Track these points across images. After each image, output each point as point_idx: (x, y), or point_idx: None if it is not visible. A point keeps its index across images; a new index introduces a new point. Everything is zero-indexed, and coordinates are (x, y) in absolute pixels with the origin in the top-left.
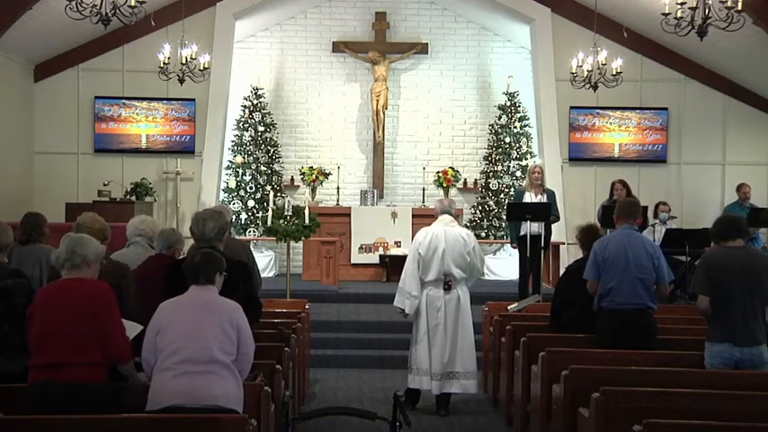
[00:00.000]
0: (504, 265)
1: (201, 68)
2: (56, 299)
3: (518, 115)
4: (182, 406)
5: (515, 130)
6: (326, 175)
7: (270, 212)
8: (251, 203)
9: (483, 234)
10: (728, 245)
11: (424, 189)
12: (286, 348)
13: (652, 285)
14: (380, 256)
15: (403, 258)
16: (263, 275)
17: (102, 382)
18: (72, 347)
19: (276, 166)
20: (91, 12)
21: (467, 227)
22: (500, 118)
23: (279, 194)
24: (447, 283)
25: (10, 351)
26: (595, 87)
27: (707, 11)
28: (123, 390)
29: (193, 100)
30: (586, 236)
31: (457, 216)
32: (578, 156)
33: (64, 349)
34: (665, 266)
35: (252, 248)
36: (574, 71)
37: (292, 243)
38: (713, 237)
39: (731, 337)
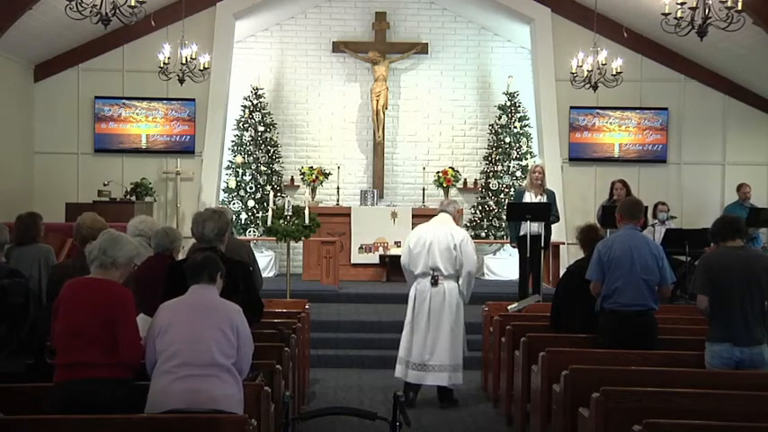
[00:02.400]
0: (504, 265)
1: (201, 68)
2: (77, 298)
3: (518, 115)
4: (181, 410)
5: (515, 130)
6: (326, 175)
7: (270, 212)
8: (251, 203)
9: (483, 234)
10: (728, 245)
11: (424, 189)
12: (286, 348)
13: (655, 286)
14: (380, 256)
15: None
16: (263, 275)
17: (125, 380)
18: (91, 347)
19: (276, 166)
20: (91, 12)
21: (466, 227)
22: (500, 118)
23: (279, 194)
24: (434, 277)
25: (7, 350)
26: (595, 87)
27: (707, 11)
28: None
29: (193, 100)
30: (586, 236)
31: (457, 216)
32: (578, 156)
33: (84, 349)
34: (668, 268)
35: (252, 248)
36: (574, 71)
37: (292, 243)
38: (712, 237)
39: (731, 337)
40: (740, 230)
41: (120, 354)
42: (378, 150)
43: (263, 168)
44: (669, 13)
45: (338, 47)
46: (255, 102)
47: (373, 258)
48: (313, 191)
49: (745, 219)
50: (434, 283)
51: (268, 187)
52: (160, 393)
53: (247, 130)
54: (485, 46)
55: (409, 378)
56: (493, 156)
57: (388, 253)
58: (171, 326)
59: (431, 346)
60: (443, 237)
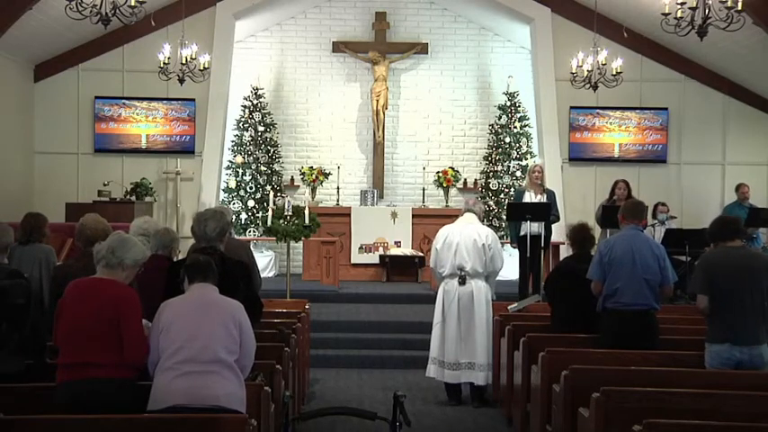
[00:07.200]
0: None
1: (201, 68)
2: (82, 297)
3: (518, 115)
4: (183, 406)
5: (515, 130)
6: (326, 175)
7: (270, 212)
8: (251, 203)
9: None
10: (726, 245)
11: (424, 189)
12: (286, 348)
13: (657, 286)
14: (380, 256)
15: (403, 258)
16: (263, 275)
17: (128, 381)
18: (94, 347)
19: (276, 166)
20: (91, 12)
21: None
22: (500, 118)
23: (279, 194)
24: (461, 277)
25: (6, 351)
26: (595, 87)
27: (707, 11)
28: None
29: (193, 100)
30: (577, 234)
31: (482, 215)
32: (578, 156)
33: (87, 349)
34: (670, 268)
35: (252, 248)
36: (574, 71)
37: (292, 243)
38: (710, 238)
39: (731, 337)
40: (738, 231)
41: (124, 354)
42: (378, 150)
43: (263, 168)
44: (669, 13)
45: (338, 47)
46: (255, 102)
47: (373, 258)
48: (313, 191)
49: (745, 219)
50: (462, 282)
51: (268, 187)
52: (162, 390)
53: (247, 130)
54: (485, 46)
55: (446, 378)
56: (493, 156)
57: (388, 253)
58: (174, 323)
59: (465, 345)
60: (471, 236)
